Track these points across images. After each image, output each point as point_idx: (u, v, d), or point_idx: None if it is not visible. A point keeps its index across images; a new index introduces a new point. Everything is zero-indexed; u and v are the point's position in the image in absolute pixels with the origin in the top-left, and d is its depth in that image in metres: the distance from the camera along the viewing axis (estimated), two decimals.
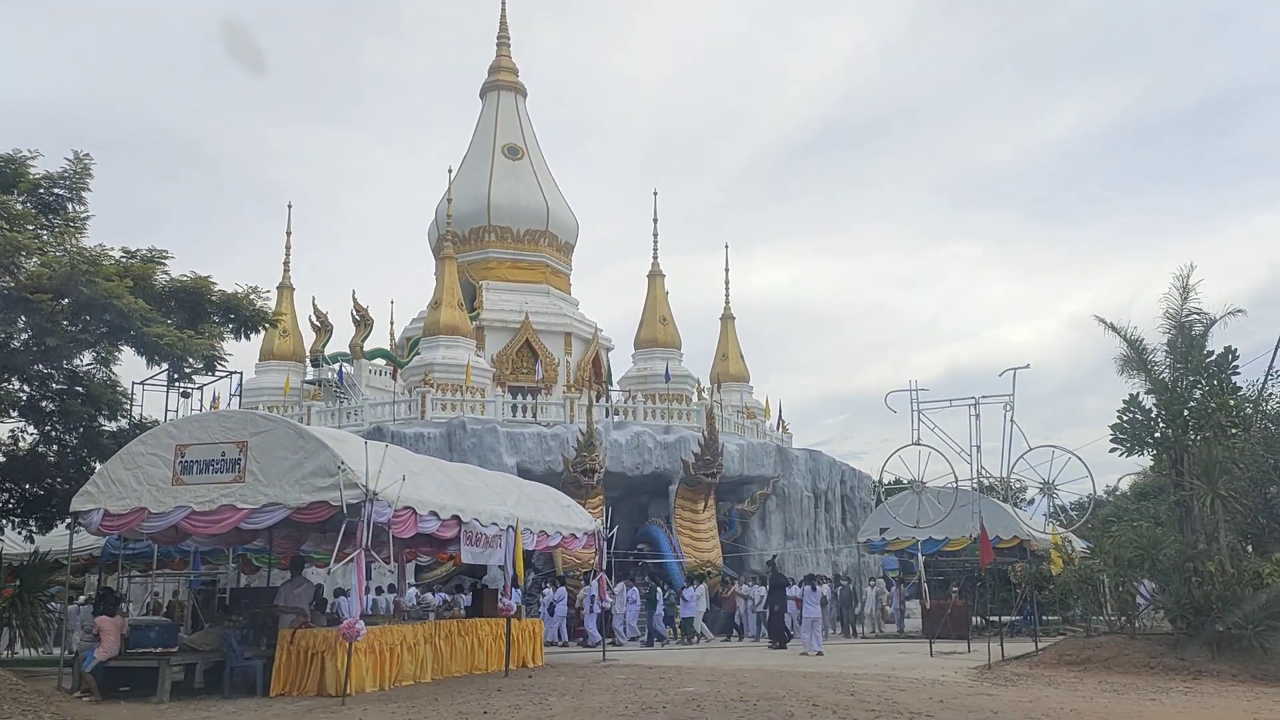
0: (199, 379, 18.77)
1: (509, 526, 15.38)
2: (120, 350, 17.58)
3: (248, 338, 17.41)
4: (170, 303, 16.72)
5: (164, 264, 17.35)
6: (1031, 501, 31.71)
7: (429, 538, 14.95)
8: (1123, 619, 17.76)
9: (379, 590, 22.73)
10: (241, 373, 18.45)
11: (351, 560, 11.78)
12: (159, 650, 12.85)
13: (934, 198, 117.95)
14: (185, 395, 18.47)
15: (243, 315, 17.03)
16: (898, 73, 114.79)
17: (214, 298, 16.81)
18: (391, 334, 43.27)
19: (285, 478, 12.29)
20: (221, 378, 18.53)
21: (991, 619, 22.40)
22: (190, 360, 16.09)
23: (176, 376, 17.15)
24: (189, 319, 16.93)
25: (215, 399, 33.11)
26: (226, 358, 17.46)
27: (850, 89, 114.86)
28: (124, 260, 16.86)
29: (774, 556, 27.90)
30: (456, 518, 14.00)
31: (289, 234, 39.48)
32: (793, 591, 23.07)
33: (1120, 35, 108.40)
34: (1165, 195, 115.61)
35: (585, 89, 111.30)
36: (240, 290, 16.84)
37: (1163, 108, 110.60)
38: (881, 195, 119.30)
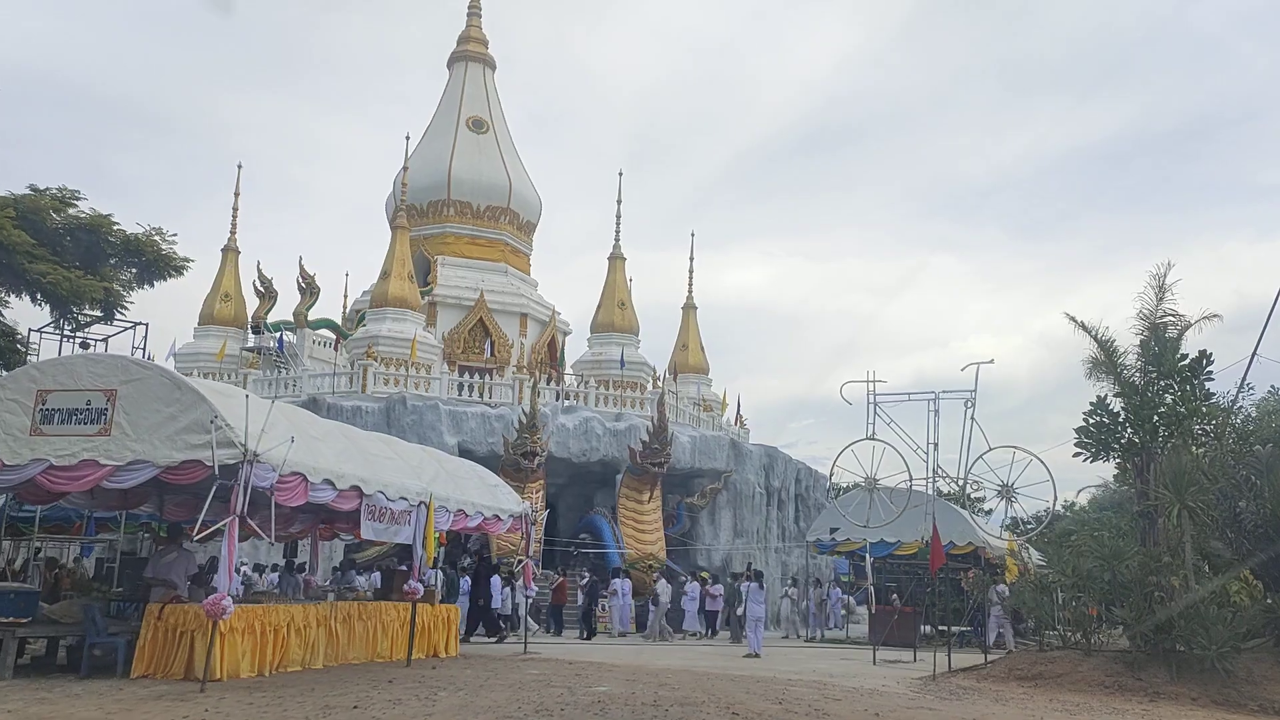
0: (104, 330, 17.30)
1: (420, 502, 14.03)
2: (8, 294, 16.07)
3: (152, 285, 15.89)
4: (65, 240, 15.21)
5: (75, 205, 15.88)
6: (989, 512, 30.69)
7: (329, 509, 13.58)
8: (1078, 634, 16.69)
9: (296, 568, 21.15)
10: (147, 324, 16.88)
11: (221, 530, 10.40)
12: (8, 620, 11.40)
13: (909, 207, 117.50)
14: (85, 346, 16.93)
15: (146, 259, 15.52)
16: (880, 81, 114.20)
17: (113, 238, 15.27)
18: (344, 306, 41.74)
19: (156, 432, 10.87)
20: (125, 329, 16.98)
21: (941, 627, 21.33)
22: (80, 303, 14.56)
23: (68, 323, 15.59)
24: (86, 261, 15.44)
25: (150, 357, 31.65)
26: (127, 305, 15.90)
27: (832, 95, 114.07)
28: (28, 195, 15.36)
29: (482, 546, 26.11)
30: (357, 489, 12.62)
31: (236, 195, 37.95)
32: (689, 588, 21.67)
33: (1099, 58, 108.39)
34: (1135, 218, 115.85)
35: (566, 79, 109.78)
36: (142, 231, 15.33)
37: (1136, 130, 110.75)
38: (857, 202, 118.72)
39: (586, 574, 25.48)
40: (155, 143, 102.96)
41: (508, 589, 23.06)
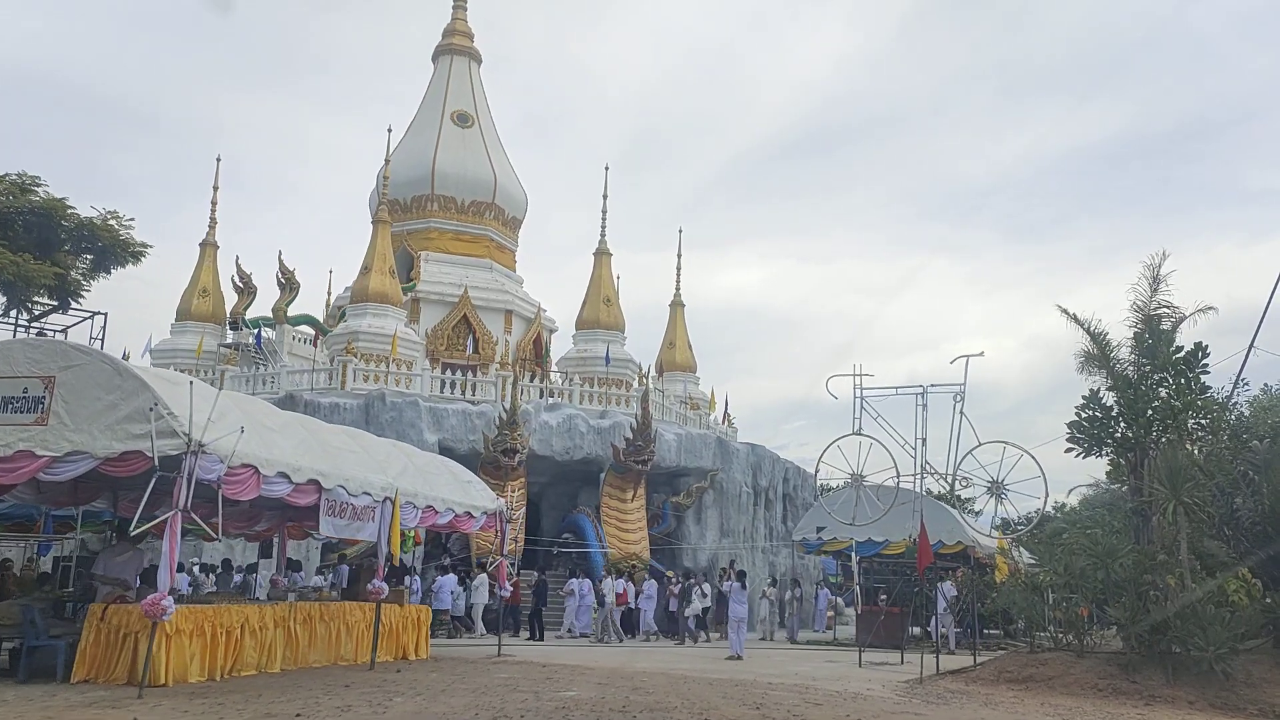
0: (62, 320, 16.69)
1: (385, 498, 13.43)
2: None
3: (109, 272, 15.23)
4: (16, 225, 14.55)
5: (35, 192, 15.24)
6: (979, 513, 30.16)
7: (282, 504, 12.97)
8: (1070, 635, 16.15)
9: (239, 568, 20.37)
10: (106, 313, 16.23)
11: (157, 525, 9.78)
12: None
13: (904, 209, 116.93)
14: (40, 335, 16.27)
15: (102, 244, 14.85)
16: (878, 83, 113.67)
17: (68, 222, 14.60)
18: (328, 303, 41.07)
19: (96, 422, 10.26)
20: (84, 318, 16.34)
21: (929, 629, 20.77)
22: (30, 289, 13.90)
23: (24, 312, 14.93)
24: (39, 246, 14.79)
25: (125, 354, 30.89)
26: (84, 293, 15.23)
27: (830, 96, 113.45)
28: None
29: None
30: (315, 482, 12.02)
31: (215, 189, 37.22)
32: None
33: (1096, 61, 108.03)
34: (1130, 220, 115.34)
35: (564, 80, 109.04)
36: (97, 215, 14.67)
37: (1132, 133, 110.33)
38: (853, 203, 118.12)
39: (536, 574, 24.78)
40: (151, 142, 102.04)
41: (462, 589, 22.50)
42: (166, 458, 9.93)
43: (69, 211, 14.67)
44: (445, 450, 25.36)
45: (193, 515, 10.01)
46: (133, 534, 10.54)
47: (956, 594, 21.71)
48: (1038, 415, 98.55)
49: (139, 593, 11.67)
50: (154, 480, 9.80)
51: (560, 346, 39.80)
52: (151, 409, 9.81)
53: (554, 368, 37.37)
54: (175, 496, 9.86)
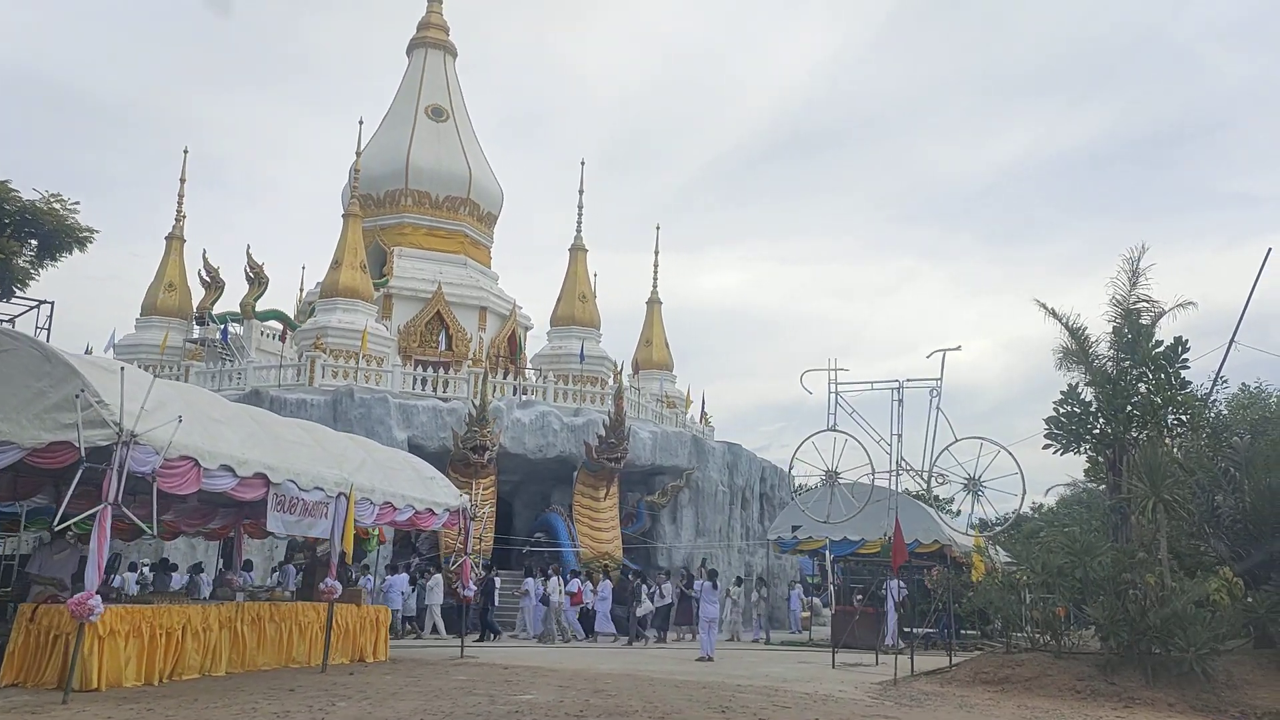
0: (9, 310, 16.01)
1: (339, 493, 12.88)
2: None
3: (54, 259, 14.60)
4: None
5: None
6: (958, 514, 29.72)
7: (235, 500, 12.41)
8: (1047, 635, 15.78)
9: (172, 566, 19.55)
10: (53, 302, 15.60)
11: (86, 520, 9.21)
12: None
13: (885, 212, 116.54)
14: None
15: (46, 229, 14.23)
16: (861, 85, 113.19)
17: (9, 205, 13.98)
18: (299, 299, 40.40)
19: (23, 410, 9.66)
20: (30, 308, 15.70)
21: (904, 629, 20.39)
22: None
23: None
24: None
25: (88, 349, 30.14)
26: (29, 281, 14.62)
27: (811, 99, 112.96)
28: None
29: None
30: (263, 476, 11.46)
31: (182, 182, 36.47)
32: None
33: (1076, 66, 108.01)
34: (1109, 224, 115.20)
35: (547, 81, 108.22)
36: (40, 198, 14.05)
37: (1112, 138, 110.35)
38: (835, 206, 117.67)
39: (483, 572, 24.24)
40: (129, 139, 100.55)
41: (412, 589, 21.96)
42: (96, 449, 9.36)
43: (11, 194, 14.02)
44: (415, 448, 24.80)
45: (125, 510, 9.44)
46: (56, 529, 9.96)
47: (908, 593, 21.41)
48: (1017, 417, 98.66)
49: (74, 592, 11.14)
50: (80, 472, 9.24)
51: (536, 345, 39.34)
52: (78, 396, 9.24)
53: (528, 365, 36.84)
54: (104, 489, 9.30)
